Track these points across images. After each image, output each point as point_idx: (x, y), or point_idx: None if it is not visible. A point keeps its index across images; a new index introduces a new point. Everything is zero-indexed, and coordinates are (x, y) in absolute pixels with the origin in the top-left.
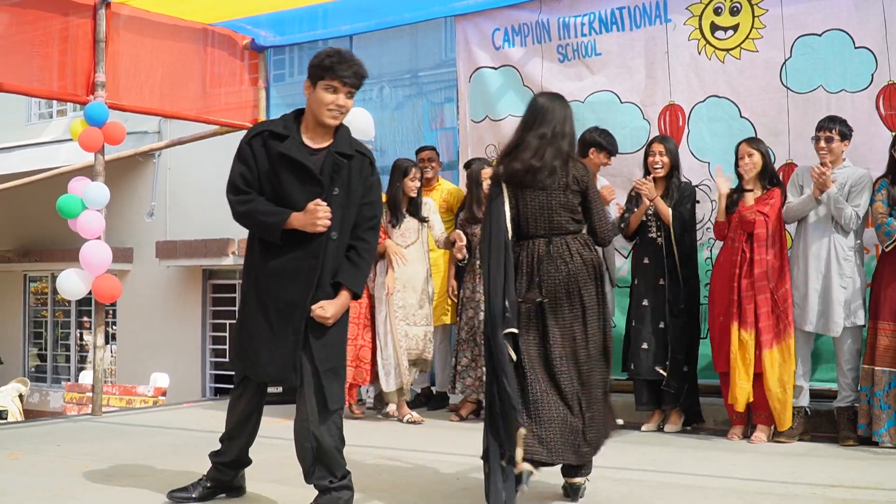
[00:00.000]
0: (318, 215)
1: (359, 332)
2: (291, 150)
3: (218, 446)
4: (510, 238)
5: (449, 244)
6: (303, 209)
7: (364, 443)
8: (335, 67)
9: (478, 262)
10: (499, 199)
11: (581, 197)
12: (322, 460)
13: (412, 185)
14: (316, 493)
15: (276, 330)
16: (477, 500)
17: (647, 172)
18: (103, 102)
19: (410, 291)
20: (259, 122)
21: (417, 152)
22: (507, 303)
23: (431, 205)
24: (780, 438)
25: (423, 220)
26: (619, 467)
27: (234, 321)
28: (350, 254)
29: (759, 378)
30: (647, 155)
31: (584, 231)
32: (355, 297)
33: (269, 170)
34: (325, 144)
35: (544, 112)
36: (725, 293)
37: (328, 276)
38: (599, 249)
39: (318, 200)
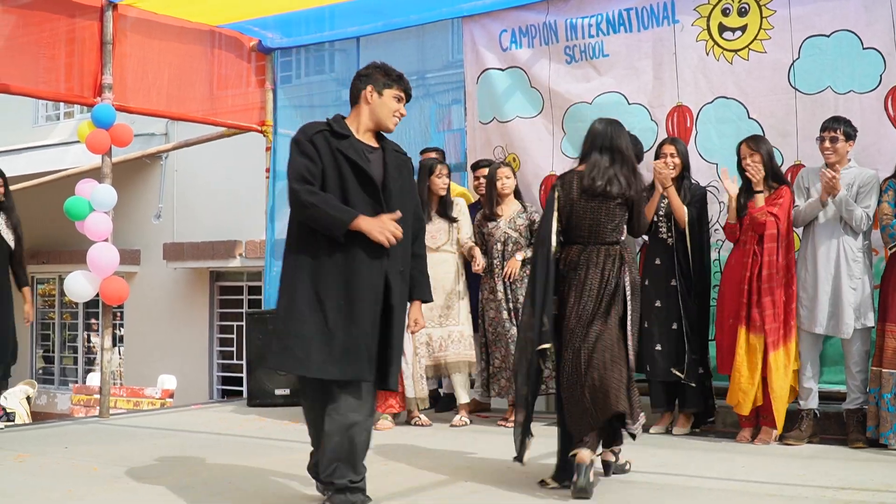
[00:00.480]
0: (388, 227)
1: None
2: (350, 150)
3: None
4: (555, 245)
5: (469, 255)
6: (361, 208)
7: (371, 445)
8: (402, 80)
9: (495, 261)
10: (550, 209)
11: (627, 208)
12: (350, 458)
13: (439, 182)
14: (330, 490)
15: (340, 326)
16: (487, 502)
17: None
18: (110, 104)
19: (439, 291)
20: (311, 123)
21: (421, 153)
22: (544, 318)
23: (463, 206)
24: (789, 441)
25: (453, 220)
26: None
27: (241, 323)
28: (416, 267)
29: (764, 380)
30: (657, 156)
31: (623, 238)
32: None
33: (333, 167)
34: (377, 146)
35: (600, 134)
36: (736, 296)
37: (395, 266)
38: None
39: (393, 215)
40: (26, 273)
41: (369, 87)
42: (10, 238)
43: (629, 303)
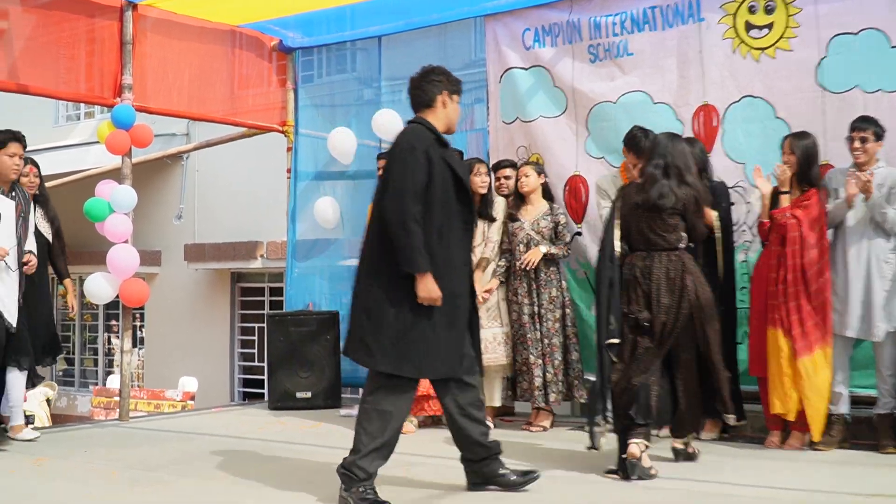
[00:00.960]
0: (432, 298)
1: None
2: (452, 160)
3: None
4: (618, 254)
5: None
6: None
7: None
8: (461, 84)
9: (518, 265)
10: (610, 220)
11: (680, 216)
12: (486, 435)
13: (478, 180)
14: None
15: (448, 325)
16: None
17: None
18: (130, 105)
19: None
20: (418, 129)
21: None
22: (612, 317)
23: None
24: (819, 446)
25: (492, 219)
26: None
27: (262, 325)
28: None
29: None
30: None
31: (682, 245)
32: None
33: (441, 176)
34: None
35: (658, 148)
36: (762, 297)
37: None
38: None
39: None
40: (67, 265)
41: (445, 92)
42: (47, 231)
43: (700, 302)
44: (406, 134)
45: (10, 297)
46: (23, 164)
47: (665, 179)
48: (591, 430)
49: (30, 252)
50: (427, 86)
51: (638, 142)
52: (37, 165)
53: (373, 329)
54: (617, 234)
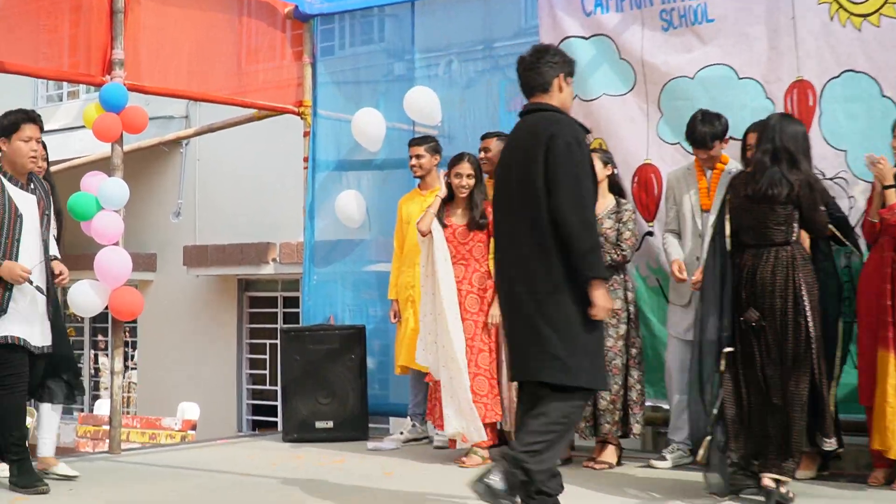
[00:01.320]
0: (608, 308)
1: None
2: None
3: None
4: (728, 251)
5: None
6: None
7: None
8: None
9: None
10: (722, 211)
11: (793, 206)
12: None
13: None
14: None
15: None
16: None
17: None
18: (121, 83)
19: None
20: (572, 121)
21: (482, 139)
22: (723, 321)
23: None
24: None
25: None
26: None
27: (274, 341)
28: None
29: None
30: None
31: (794, 238)
32: None
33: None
34: None
35: (766, 132)
36: (872, 311)
37: None
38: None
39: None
40: None
41: (562, 75)
42: (53, 227)
43: (807, 305)
44: (559, 125)
45: (34, 315)
46: (40, 150)
47: (775, 166)
48: (720, 470)
49: (55, 258)
50: (543, 67)
51: (694, 129)
52: (45, 146)
53: (565, 343)
54: (728, 229)
